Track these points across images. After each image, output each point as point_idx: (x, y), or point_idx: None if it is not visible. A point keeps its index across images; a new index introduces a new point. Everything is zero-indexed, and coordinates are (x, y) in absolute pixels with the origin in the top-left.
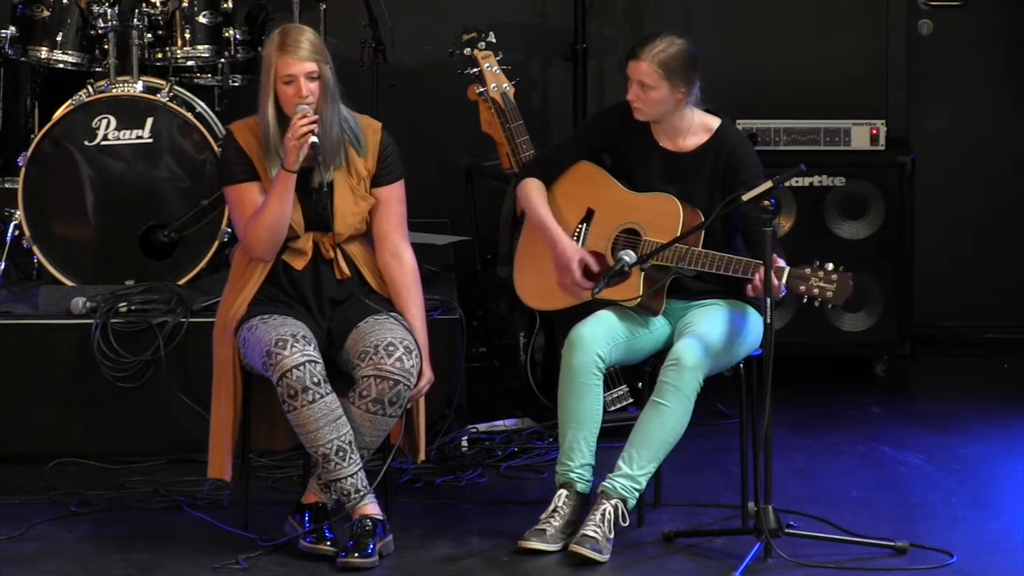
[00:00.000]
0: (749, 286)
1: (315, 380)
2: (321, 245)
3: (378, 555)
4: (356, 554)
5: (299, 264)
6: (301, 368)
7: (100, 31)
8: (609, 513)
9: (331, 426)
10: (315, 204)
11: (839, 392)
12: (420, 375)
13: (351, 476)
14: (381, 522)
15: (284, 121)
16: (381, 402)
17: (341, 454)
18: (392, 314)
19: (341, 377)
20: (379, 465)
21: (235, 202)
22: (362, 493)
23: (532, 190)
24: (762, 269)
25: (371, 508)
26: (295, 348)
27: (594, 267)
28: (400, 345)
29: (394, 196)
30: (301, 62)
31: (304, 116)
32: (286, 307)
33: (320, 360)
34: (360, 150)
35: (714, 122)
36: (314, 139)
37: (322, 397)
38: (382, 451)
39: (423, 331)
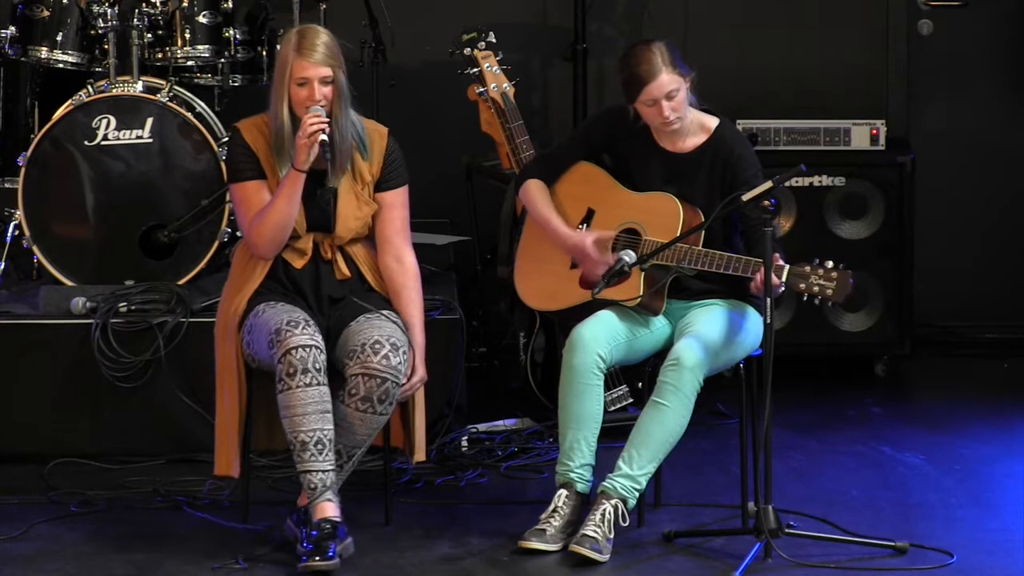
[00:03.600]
0: (752, 284)
1: (316, 366)
2: (321, 246)
3: (338, 557)
4: (317, 557)
5: (298, 263)
6: (307, 350)
7: (100, 31)
8: (609, 513)
9: (318, 416)
10: (319, 200)
11: (839, 392)
12: (412, 372)
13: (322, 472)
14: (340, 524)
15: (296, 122)
16: (370, 400)
17: (319, 447)
18: (382, 312)
19: (340, 377)
20: (380, 465)
21: (240, 200)
22: (327, 491)
23: (534, 190)
24: (762, 268)
25: (332, 510)
26: (305, 331)
27: (607, 240)
28: (386, 342)
29: (398, 200)
30: (316, 66)
31: (316, 115)
32: (289, 300)
33: (324, 352)
34: (364, 154)
35: (712, 122)
36: (324, 137)
37: (318, 384)
38: (382, 451)
39: (421, 331)
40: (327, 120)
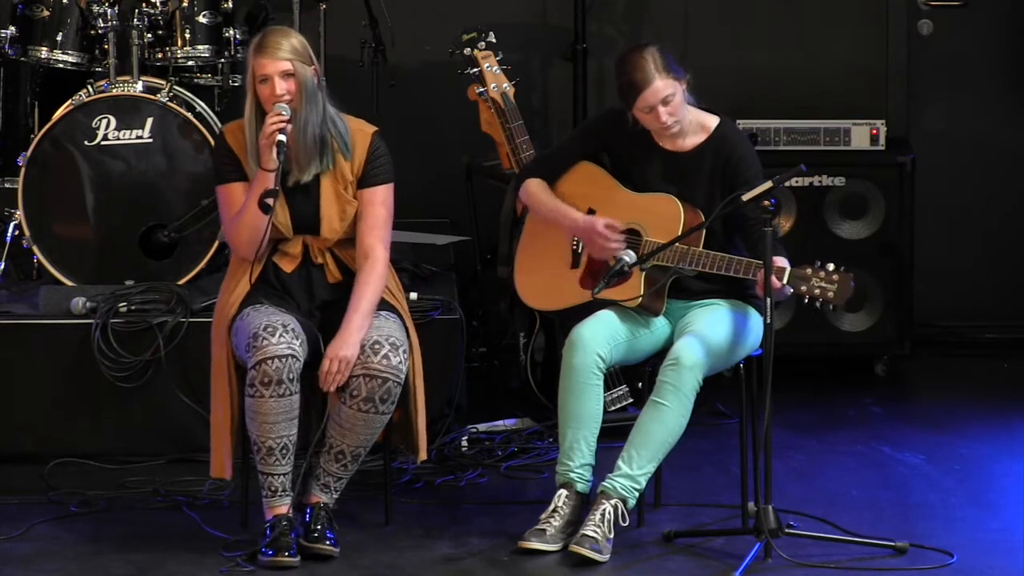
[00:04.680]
0: (760, 276)
1: (290, 376)
2: (311, 249)
3: (298, 555)
4: (285, 553)
5: (288, 267)
6: (283, 360)
7: (100, 31)
8: (609, 513)
9: (286, 423)
10: (263, 195)
11: (839, 392)
12: (332, 356)
13: (283, 475)
14: (293, 520)
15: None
16: (372, 400)
17: (283, 451)
18: (380, 313)
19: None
20: (380, 465)
21: (224, 201)
22: (285, 493)
23: (535, 188)
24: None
25: (287, 508)
26: (282, 339)
27: (618, 227)
28: (386, 343)
29: (377, 198)
30: (274, 61)
31: (278, 115)
32: (280, 301)
33: (301, 359)
34: (347, 154)
35: (711, 121)
36: (281, 138)
37: (291, 394)
38: (382, 451)
39: (363, 315)
40: (286, 120)
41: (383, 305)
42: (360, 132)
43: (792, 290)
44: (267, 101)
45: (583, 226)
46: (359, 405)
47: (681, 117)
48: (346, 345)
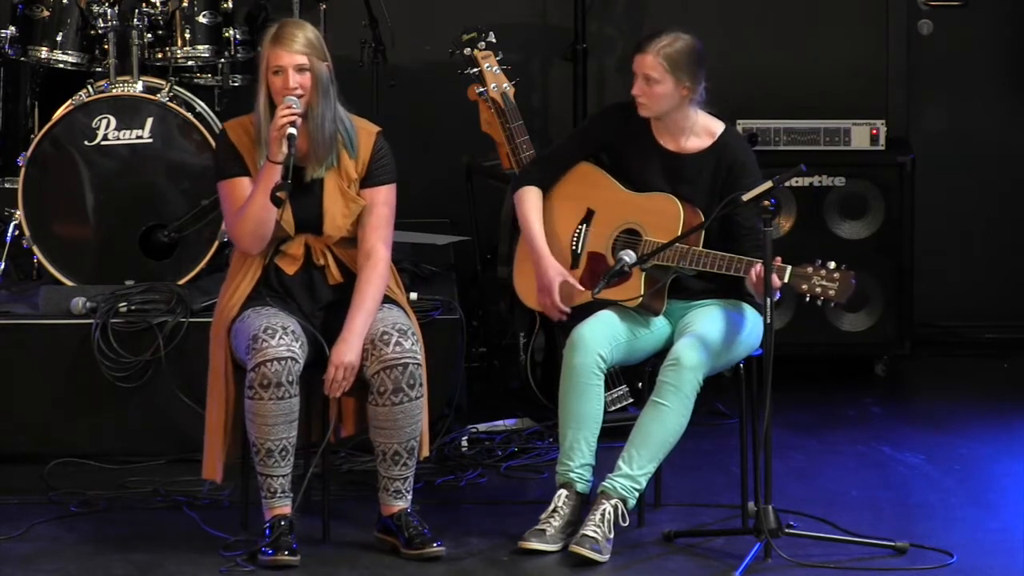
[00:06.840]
0: (752, 271)
1: (289, 379)
2: (313, 250)
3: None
4: (285, 552)
5: (291, 269)
6: (282, 362)
7: (100, 31)
8: (609, 513)
9: (286, 425)
10: (275, 188)
11: (839, 392)
12: (337, 363)
13: (282, 476)
14: (293, 521)
15: (274, 113)
16: (401, 389)
17: (283, 453)
18: (383, 306)
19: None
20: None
21: (226, 196)
22: (284, 494)
23: (528, 200)
24: (758, 265)
25: (288, 509)
26: (282, 341)
27: (578, 288)
28: (394, 331)
29: (379, 198)
30: (291, 54)
31: (288, 107)
32: (282, 303)
33: (301, 361)
34: (352, 152)
35: (717, 127)
36: (291, 131)
37: (290, 397)
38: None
39: (366, 316)
40: (298, 112)
41: (384, 300)
42: (364, 131)
43: (781, 295)
44: (278, 93)
45: (543, 273)
46: (390, 399)
47: (660, 109)
48: (350, 349)
